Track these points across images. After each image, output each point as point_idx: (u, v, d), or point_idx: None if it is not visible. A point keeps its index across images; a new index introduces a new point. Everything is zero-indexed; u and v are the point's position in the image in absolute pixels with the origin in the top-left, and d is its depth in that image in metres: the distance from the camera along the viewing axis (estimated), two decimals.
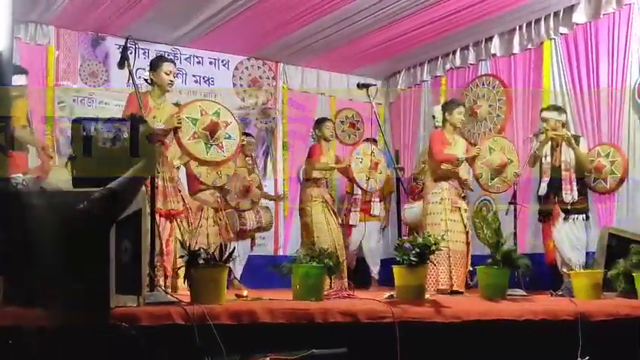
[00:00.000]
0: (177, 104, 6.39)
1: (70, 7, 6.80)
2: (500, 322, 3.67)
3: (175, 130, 4.87)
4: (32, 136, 5.72)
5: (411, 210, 7.07)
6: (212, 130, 5.00)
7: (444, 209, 5.89)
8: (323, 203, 6.83)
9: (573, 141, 5.98)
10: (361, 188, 7.00)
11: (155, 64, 5.23)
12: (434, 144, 6.03)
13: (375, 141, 6.63)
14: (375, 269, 7.72)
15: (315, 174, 6.86)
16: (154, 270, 3.84)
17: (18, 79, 5.23)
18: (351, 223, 7.42)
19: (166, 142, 4.99)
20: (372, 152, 6.80)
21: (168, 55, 7.79)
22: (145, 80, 5.27)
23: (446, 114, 6.05)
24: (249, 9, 6.86)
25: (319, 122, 7.05)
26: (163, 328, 2.90)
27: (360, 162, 6.80)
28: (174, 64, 5.44)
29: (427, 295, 4.14)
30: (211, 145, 5.05)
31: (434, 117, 6.31)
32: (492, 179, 6.05)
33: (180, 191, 5.19)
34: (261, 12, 6.92)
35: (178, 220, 5.10)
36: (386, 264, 7.57)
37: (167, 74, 5.19)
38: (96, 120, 2.71)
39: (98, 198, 2.16)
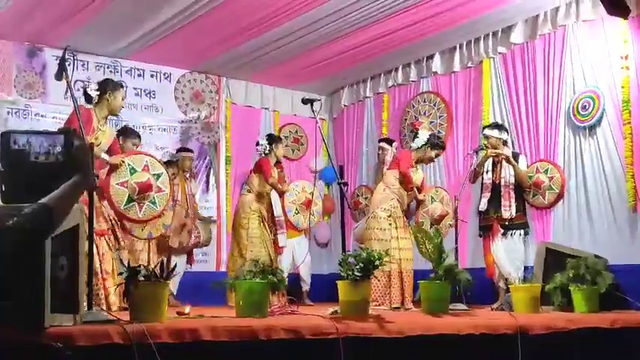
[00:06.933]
0: (121, 130, 6.47)
1: (5, 16, 6.55)
2: (442, 337, 3.69)
3: (113, 168, 4.92)
4: None
5: (359, 227, 7.09)
6: (143, 188, 5.04)
7: (394, 226, 5.95)
8: (259, 217, 6.85)
9: (512, 159, 6.13)
10: (285, 216, 7.26)
11: (114, 87, 5.25)
12: (405, 158, 6.19)
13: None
14: (305, 284, 7.69)
15: (259, 188, 6.86)
16: (91, 288, 3.73)
17: None
18: (280, 244, 7.24)
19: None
20: (312, 193, 7.28)
21: (107, 68, 7.74)
22: (88, 95, 5.19)
23: (427, 146, 6.21)
24: (192, 22, 6.79)
25: (275, 140, 7.10)
26: (101, 348, 2.80)
27: (296, 195, 7.35)
28: None
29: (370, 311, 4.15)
30: (132, 200, 5.06)
31: (417, 135, 6.36)
32: (430, 227, 6.21)
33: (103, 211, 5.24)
34: (205, 26, 6.85)
35: (106, 237, 5.11)
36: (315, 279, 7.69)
37: (122, 99, 5.29)
38: (28, 133, 2.61)
39: (29, 213, 2.07)
